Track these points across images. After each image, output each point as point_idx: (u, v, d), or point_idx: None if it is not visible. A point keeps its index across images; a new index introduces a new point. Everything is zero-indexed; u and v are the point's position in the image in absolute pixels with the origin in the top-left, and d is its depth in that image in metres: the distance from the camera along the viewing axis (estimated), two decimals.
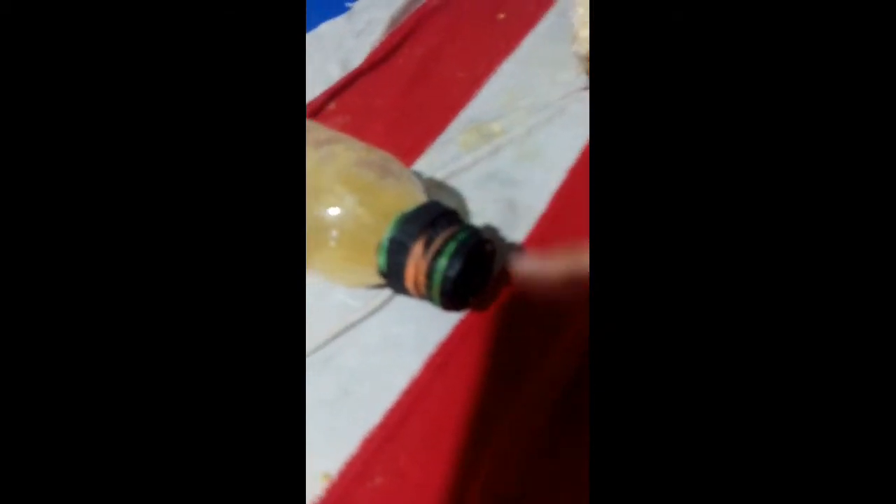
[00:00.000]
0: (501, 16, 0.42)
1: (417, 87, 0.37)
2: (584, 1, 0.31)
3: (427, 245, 0.20)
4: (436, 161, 0.32)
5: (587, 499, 0.11)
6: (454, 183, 0.30)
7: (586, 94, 0.34)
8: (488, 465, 0.20)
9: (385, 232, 0.21)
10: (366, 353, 0.24)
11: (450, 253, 0.20)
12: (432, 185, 0.30)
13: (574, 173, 0.30)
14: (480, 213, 0.29)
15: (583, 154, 0.31)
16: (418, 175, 0.31)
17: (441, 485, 0.20)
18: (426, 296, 0.21)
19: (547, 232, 0.27)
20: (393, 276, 0.21)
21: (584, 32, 0.31)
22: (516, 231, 0.27)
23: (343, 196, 0.22)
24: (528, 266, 0.18)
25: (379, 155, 0.24)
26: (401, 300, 0.25)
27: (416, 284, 0.21)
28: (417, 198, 0.23)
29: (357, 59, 0.39)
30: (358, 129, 0.34)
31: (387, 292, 0.25)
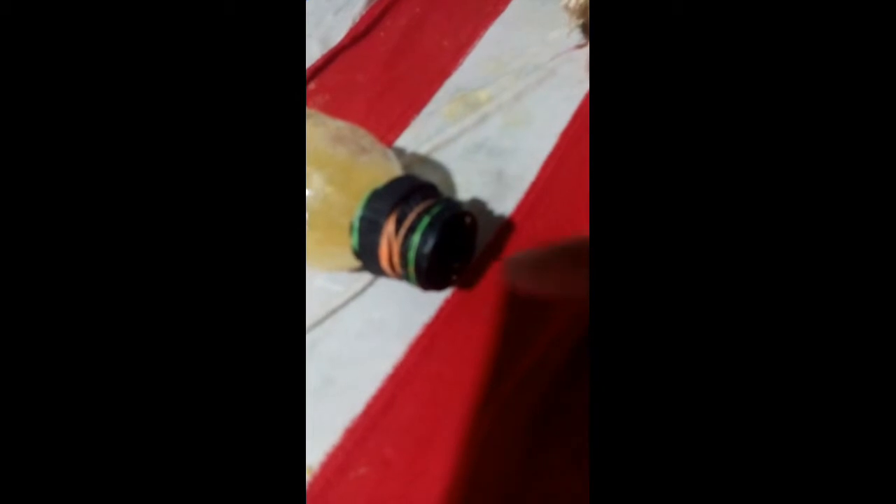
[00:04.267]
0: None
1: (400, 59, 0.35)
2: None
3: (400, 221, 0.19)
4: (420, 134, 0.30)
5: (587, 487, 0.10)
6: (440, 156, 0.29)
7: (578, 54, 0.32)
8: (476, 453, 0.19)
9: (356, 210, 0.20)
10: (348, 340, 0.23)
11: (423, 228, 0.19)
12: (416, 159, 0.29)
13: (565, 137, 0.28)
14: (467, 186, 0.27)
15: (574, 117, 0.29)
16: (401, 150, 0.29)
17: (428, 473, 0.19)
18: (403, 275, 0.20)
19: (536, 202, 0.25)
20: (367, 257, 0.20)
21: None
22: (505, 203, 0.26)
23: (311, 175, 0.21)
24: (522, 279, 0.15)
25: (350, 130, 0.23)
26: (383, 283, 0.23)
27: (391, 264, 0.20)
28: (391, 173, 0.21)
29: (337, 36, 0.37)
30: (339, 107, 0.32)
31: (368, 275, 0.24)
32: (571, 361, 0.20)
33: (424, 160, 0.29)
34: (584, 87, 0.30)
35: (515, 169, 0.27)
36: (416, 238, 0.19)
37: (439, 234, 0.19)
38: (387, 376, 0.21)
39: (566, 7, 0.29)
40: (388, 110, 0.32)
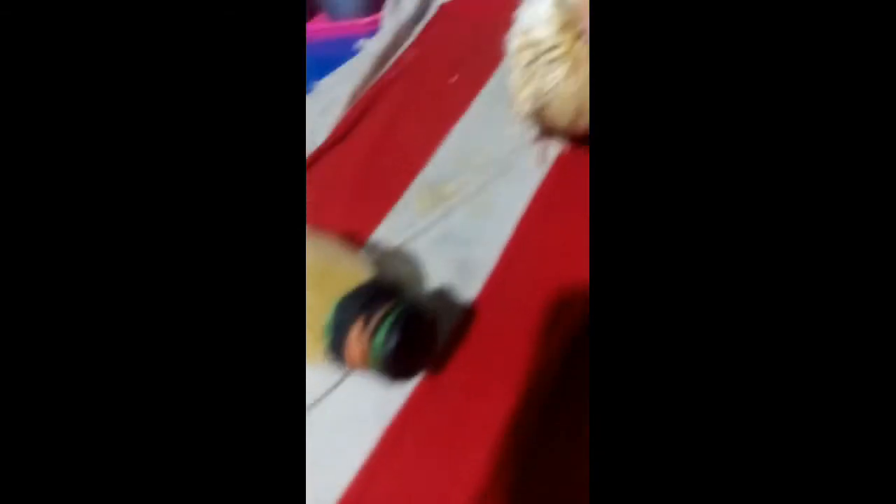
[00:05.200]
0: (453, 79, 0.44)
1: (377, 157, 0.39)
2: (517, 65, 0.32)
3: (366, 323, 0.21)
4: (393, 228, 0.33)
5: None
6: (411, 247, 0.32)
7: (532, 148, 0.35)
8: None
9: (328, 315, 0.22)
10: (327, 431, 0.24)
11: (386, 328, 0.21)
12: (389, 253, 0.32)
13: (523, 225, 0.31)
14: (435, 274, 0.30)
15: (530, 205, 0.32)
16: (375, 245, 0.32)
17: None
18: (372, 372, 0.22)
19: (497, 288, 0.28)
20: (338, 356, 0.22)
21: (522, 94, 0.32)
22: (469, 290, 0.28)
23: None
24: None
25: (324, 238, 0.26)
26: (357, 376, 0.25)
27: (359, 362, 0.22)
28: (360, 277, 0.24)
29: (321, 137, 0.42)
30: (320, 205, 0.36)
31: (343, 370, 0.26)
32: (542, 432, 0.22)
33: (397, 253, 0.31)
34: (538, 177, 0.33)
35: (479, 257, 0.30)
36: (379, 338, 0.21)
37: (401, 333, 0.21)
38: (361, 465, 0.23)
39: (518, 114, 0.33)
40: (366, 205, 0.35)
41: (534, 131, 0.35)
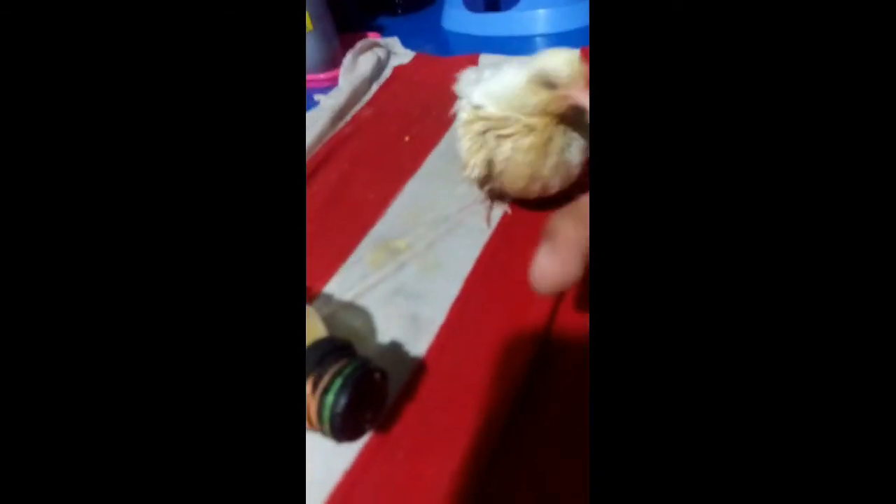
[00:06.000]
0: (407, 138, 0.47)
1: (330, 210, 0.40)
2: (466, 134, 0.33)
3: (315, 383, 0.22)
4: (346, 281, 0.34)
5: None
6: (363, 301, 0.33)
7: (480, 207, 0.38)
8: None
9: None
10: None
11: (336, 389, 0.22)
12: (341, 306, 0.32)
13: (471, 281, 0.33)
14: (386, 329, 0.31)
15: (477, 262, 0.34)
16: (329, 297, 0.33)
17: None
18: (320, 431, 0.22)
19: (446, 343, 0.29)
20: None
21: (473, 160, 0.33)
22: (419, 344, 0.29)
23: None
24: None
25: None
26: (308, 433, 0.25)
27: (309, 422, 0.22)
28: (313, 334, 0.25)
29: None
30: None
31: None
32: (490, 483, 0.22)
33: (349, 306, 0.32)
34: (485, 235, 0.36)
35: (428, 312, 0.31)
36: (329, 398, 0.21)
37: (350, 393, 0.22)
38: None
39: (468, 177, 0.34)
40: (319, 258, 0.36)
41: (482, 194, 0.37)
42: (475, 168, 0.33)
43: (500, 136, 0.31)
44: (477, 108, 0.31)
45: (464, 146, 0.33)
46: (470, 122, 0.32)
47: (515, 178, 0.32)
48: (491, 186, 0.35)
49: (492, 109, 0.31)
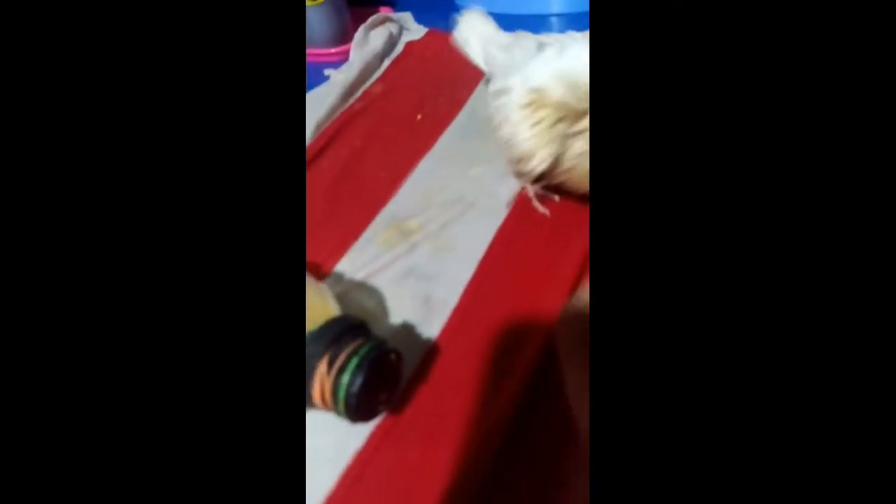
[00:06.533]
0: (419, 116, 0.46)
1: (341, 187, 0.39)
2: (525, 120, 0.28)
3: (331, 362, 0.22)
4: (357, 261, 0.33)
5: None
6: (374, 281, 0.32)
7: (495, 189, 0.37)
8: None
9: None
10: None
11: (352, 369, 0.21)
12: (353, 285, 0.32)
13: (484, 264, 0.32)
14: (398, 310, 0.30)
15: (491, 245, 0.33)
16: (340, 276, 0.33)
17: None
18: (335, 410, 0.22)
19: (459, 325, 0.29)
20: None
21: (539, 154, 0.29)
22: (432, 326, 0.29)
23: None
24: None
25: None
26: (318, 412, 0.25)
27: (323, 401, 0.22)
28: (327, 313, 0.24)
29: None
30: None
31: None
32: (496, 471, 0.22)
33: (361, 286, 0.32)
34: (498, 218, 0.35)
35: (441, 294, 0.31)
36: (345, 378, 0.21)
37: (366, 373, 0.21)
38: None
39: (520, 170, 0.31)
40: (329, 237, 0.35)
41: (533, 187, 0.34)
42: (541, 163, 0.28)
43: (575, 132, 0.26)
44: (537, 90, 0.27)
45: (521, 135, 0.28)
46: (531, 107, 0.27)
47: (583, 178, 0.28)
48: (548, 182, 0.31)
49: (563, 95, 0.26)
